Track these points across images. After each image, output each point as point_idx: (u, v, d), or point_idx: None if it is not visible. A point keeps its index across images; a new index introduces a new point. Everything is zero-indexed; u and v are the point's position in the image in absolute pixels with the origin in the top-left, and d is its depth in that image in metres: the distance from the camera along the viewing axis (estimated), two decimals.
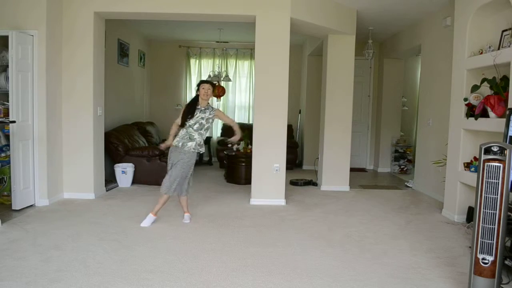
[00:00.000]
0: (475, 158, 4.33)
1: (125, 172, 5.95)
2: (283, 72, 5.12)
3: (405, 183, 6.72)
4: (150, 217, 4.14)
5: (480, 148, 2.57)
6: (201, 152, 4.22)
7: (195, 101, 4.20)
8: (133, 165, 6.05)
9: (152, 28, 7.67)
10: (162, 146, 4.42)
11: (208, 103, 4.25)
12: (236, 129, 4.34)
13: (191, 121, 4.12)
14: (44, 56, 4.63)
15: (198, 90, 4.21)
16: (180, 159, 4.08)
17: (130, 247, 3.43)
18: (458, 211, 4.53)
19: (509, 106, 3.63)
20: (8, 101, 4.45)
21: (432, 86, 5.90)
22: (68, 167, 5.11)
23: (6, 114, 4.52)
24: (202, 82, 4.28)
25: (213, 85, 4.30)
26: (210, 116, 4.19)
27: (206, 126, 4.19)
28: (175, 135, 4.18)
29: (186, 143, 4.09)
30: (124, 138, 6.30)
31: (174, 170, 4.10)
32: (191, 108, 4.16)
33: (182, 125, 4.15)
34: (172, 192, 4.11)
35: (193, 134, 4.11)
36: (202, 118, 4.14)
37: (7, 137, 4.57)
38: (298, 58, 8.77)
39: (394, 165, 8.02)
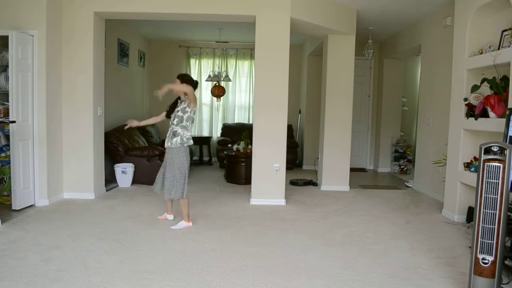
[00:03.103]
0: (475, 158, 4.33)
1: (125, 172, 5.95)
2: (283, 72, 5.12)
3: (405, 183, 6.72)
4: (182, 224, 4.07)
5: (480, 148, 2.57)
6: (189, 144, 4.10)
7: (177, 98, 4.16)
8: (133, 165, 6.05)
9: (152, 28, 7.67)
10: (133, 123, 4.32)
11: (186, 95, 4.07)
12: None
13: (172, 118, 4.13)
14: (44, 56, 4.63)
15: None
16: (169, 158, 4.05)
17: (130, 247, 3.43)
18: (458, 211, 4.53)
19: (509, 106, 3.63)
20: (8, 101, 4.45)
21: (432, 86, 5.90)
22: (68, 167, 5.10)
23: (6, 114, 4.52)
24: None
25: (179, 77, 4.12)
26: (185, 105, 4.05)
27: (185, 117, 4.05)
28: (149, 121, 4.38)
29: (171, 140, 4.07)
30: (124, 138, 6.30)
31: (168, 172, 4.02)
32: (173, 104, 4.17)
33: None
34: (180, 195, 4.02)
35: (176, 129, 4.06)
36: (178, 111, 4.06)
37: (7, 137, 4.57)
38: (298, 58, 8.77)
39: (394, 165, 8.02)
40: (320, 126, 6.41)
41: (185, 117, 4.06)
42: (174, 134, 4.06)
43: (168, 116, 4.19)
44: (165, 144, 4.13)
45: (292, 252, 3.42)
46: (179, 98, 4.17)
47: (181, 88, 4.03)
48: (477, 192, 2.57)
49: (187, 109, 4.05)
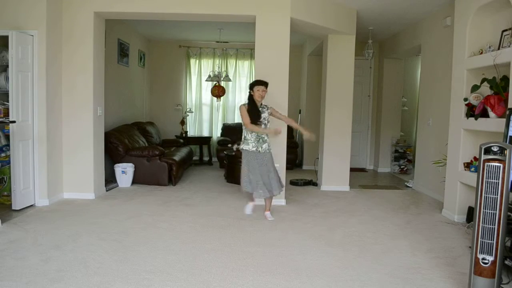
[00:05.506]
0: (475, 158, 4.33)
1: (125, 172, 5.95)
2: (283, 72, 5.12)
3: (405, 183, 6.72)
4: (268, 215, 4.47)
5: (480, 148, 2.57)
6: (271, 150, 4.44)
7: (254, 103, 4.34)
8: (133, 165, 6.05)
9: (152, 28, 7.67)
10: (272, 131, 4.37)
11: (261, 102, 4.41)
12: (295, 125, 4.65)
13: (260, 124, 4.32)
14: (44, 56, 4.63)
15: (252, 90, 4.35)
16: (262, 162, 4.34)
17: (130, 247, 3.43)
18: (458, 211, 4.53)
19: (509, 106, 3.63)
20: (8, 101, 4.45)
21: (432, 86, 5.90)
22: (68, 167, 5.10)
23: (6, 114, 4.52)
24: (257, 83, 4.36)
25: (267, 85, 4.38)
26: (268, 114, 4.41)
27: (268, 126, 4.41)
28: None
29: (261, 145, 4.34)
30: (124, 138, 6.29)
31: (271, 172, 4.35)
32: (256, 111, 4.33)
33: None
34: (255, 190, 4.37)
35: (263, 136, 4.34)
36: (264, 119, 4.36)
37: (7, 137, 4.57)
38: (298, 58, 8.77)
39: (394, 165, 8.02)
40: (320, 126, 6.41)
41: (268, 125, 4.43)
42: (263, 140, 4.36)
43: (255, 122, 4.31)
44: (251, 147, 4.33)
45: (292, 252, 3.42)
46: (252, 101, 4.34)
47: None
48: (477, 192, 2.57)
49: (268, 118, 4.43)
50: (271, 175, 4.38)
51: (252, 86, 4.39)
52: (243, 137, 4.42)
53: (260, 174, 4.34)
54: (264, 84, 4.36)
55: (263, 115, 4.35)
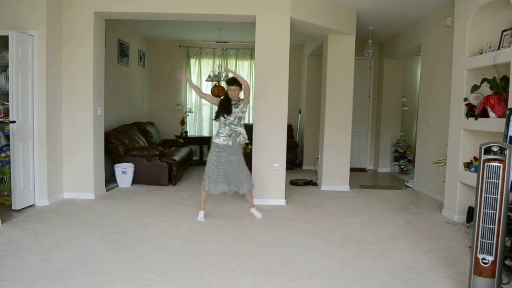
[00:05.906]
0: (475, 158, 4.33)
1: (125, 172, 5.95)
2: (283, 72, 5.12)
3: (405, 183, 6.72)
4: (254, 212, 4.48)
5: (480, 148, 2.57)
6: (247, 141, 4.47)
7: (228, 98, 4.36)
8: (133, 165, 6.05)
9: (152, 28, 7.67)
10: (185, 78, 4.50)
11: (238, 97, 4.42)
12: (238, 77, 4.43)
13: (230, 118, 4.32)
14: (44, 56, 4.63)
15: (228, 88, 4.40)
16: (236, 156, 4.34)
17: (130, 247, 3.43)
18: (458, 211, 4.53)
19: (509, 106, 3.63)
20: (8, 101, 4.45)
21: (432, 86, 5.90)
22: (68, 167, 5.10)
23: (6, 114, 4.52)
24: (228, 83, 4.39)
25: (239, 84, 4.36)
26: (241, 106, 4.37)
27: (243, 116, 4.40)
28: (195, 88, 4.80)
29: (235, 140, 4.32)
30: (124, 138, 6.29)
31: (239, 168, 4.34)
32: (226, 105, 4.34)
33: (216, 119, 4.42)
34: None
35: (237, 129, 4.33)
36: (238, 112, 4.35)
37: (7, 137, 4.57)
38: (298, 58, 8.77)
39: (394, 165, 8.02)
40: (320, 126, 6.41)
41: (243, 116, 4.41)
42: (236, 133, 4.34)
43: (218, 117, 4.39)
44: (222, 141, 4.31)
45: (292, 252, 3.42)
46: (226, 97, 4.37)
47: (238, 95, 4.36)
48: (477, 192, 2.57)
49: (243, 109, 4.39)
50: (241, 172, 4.36)
51: (226, 84, 4.45)
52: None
53: (226, 170, 4.32)
54: (235, 83, 4.33)
55: (236, 110, 4.33)
